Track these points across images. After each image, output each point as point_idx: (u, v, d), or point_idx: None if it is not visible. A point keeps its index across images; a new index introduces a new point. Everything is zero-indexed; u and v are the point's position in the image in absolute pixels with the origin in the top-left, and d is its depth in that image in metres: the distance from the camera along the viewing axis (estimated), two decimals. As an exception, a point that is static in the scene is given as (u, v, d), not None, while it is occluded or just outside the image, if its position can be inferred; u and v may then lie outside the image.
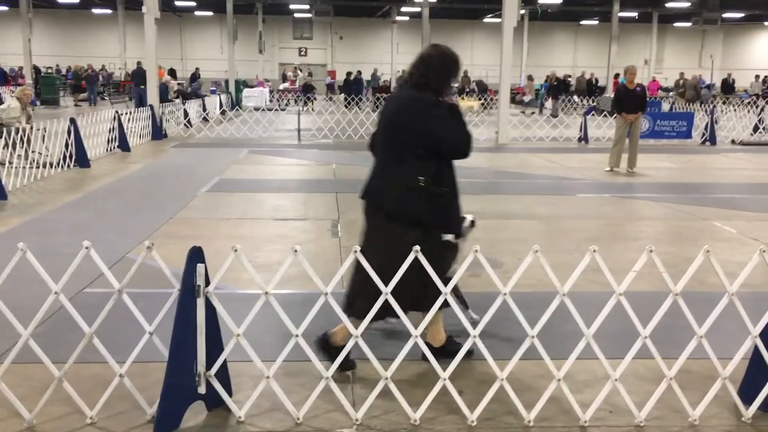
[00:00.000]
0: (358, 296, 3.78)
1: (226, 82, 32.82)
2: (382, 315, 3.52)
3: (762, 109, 23.85)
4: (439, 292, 3.40)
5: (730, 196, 10.37)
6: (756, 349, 3.50)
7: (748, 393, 3.57)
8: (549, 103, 29.01)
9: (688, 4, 35.42)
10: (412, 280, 3.46)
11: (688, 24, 40.30)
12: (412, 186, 3.74)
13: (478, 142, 17.81)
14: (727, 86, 36.15)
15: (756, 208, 9.37)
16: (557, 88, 28.90)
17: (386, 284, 3.36)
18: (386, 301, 3.39)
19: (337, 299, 3.40)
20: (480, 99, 29.59)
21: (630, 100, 12.48)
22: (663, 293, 3.54)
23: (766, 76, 36.58)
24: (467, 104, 27.21)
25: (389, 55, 40.60)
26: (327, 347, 3.91)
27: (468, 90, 33.19)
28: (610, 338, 4.58)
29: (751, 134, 19.56)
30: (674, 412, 3.56)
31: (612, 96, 28.43)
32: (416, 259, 3.36)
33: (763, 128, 20.07)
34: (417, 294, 3.67)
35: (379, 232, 3.86)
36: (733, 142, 18.53)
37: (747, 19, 43.11)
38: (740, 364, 3.54)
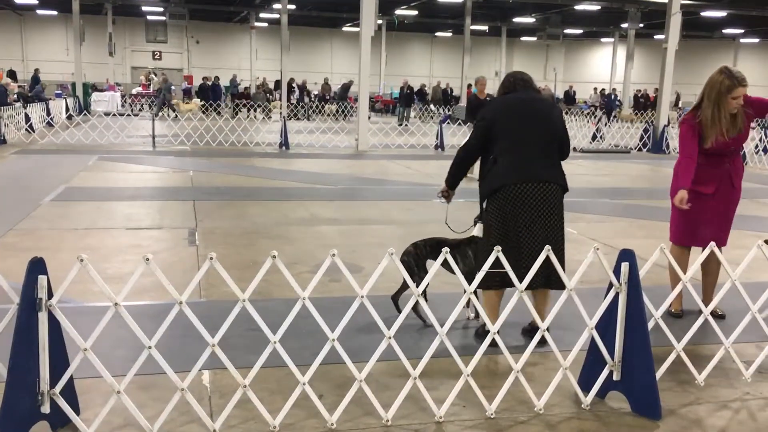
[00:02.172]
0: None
1: (73, 85, 31.02)
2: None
3: (599, 119, 25.77)
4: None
5: (572, 200, 11.05)
6: (593, 340, 3.78)
7: (586, 381, 3.84)
8: (405, 111, 29.78)
9: (533, 20, 37.67)
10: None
11: (534, 38, 42.88)
12: (562, 170, 4.59)
13: (339, 149, 18.00)
14: (569, 98, 38.71)
15: (595, 211, 10.10)
16: (409, 96, 29.75)
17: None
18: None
19: (193, 308, 3.32)
20: (201, 101, 29.00)
21: (480, 109, 13.07)
22: (509, 291, 3.74)
23: (603, 89, 39.52)
24: (188, 107, 27.32)
25: (248, 61, 40.09)
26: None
27: (329, 97, 33.39)
28: (462, 336, 4.80)
29: (590, 142, 21.08)
30: (521, 403, 3.77)
31: (465, 105, 29.79)
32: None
33: (601, 137, 21.68)
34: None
35: (559, 208, 4.48)
36: (574, 149, 19.85)
37: (585, 36, 46.48)
38: (579, 354, 3.82)
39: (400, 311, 4.62)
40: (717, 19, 33.86)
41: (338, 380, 3.92)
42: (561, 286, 3.90)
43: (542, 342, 3.79)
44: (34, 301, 3.03)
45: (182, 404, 3.35)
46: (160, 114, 23.09)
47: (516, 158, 4.47)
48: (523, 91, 4.71)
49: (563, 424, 3.60)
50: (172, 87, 30.15)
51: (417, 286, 4.40)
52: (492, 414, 3.62)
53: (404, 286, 4.80)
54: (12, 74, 31.12)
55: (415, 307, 4.70)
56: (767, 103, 5.08)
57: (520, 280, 3.65)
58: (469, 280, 3.81)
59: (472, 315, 5.04)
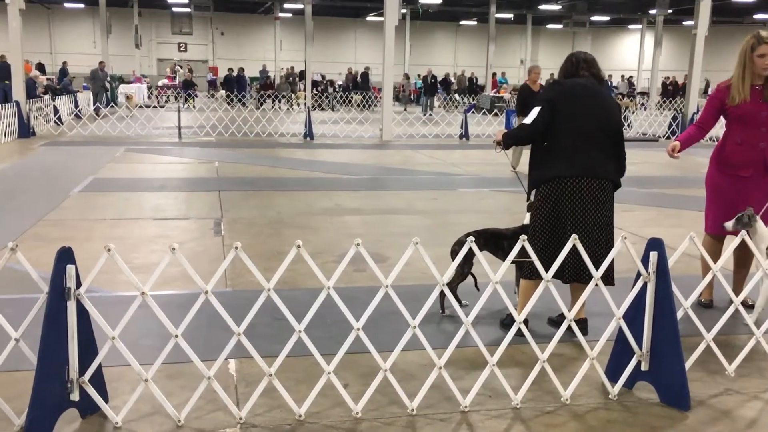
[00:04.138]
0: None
1: (101, 77, 31.25)
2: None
3: (627, 108, 25.42)
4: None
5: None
6: (620, 329, 3.73)
7: (614, 372, 3.80)
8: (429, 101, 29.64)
9: (559, 7, 37.22)
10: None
11: (560, 26, 42.36)
12: (615, 165, 4.49)
13: (363, 139, 17.99)
14: (596, 86, 38.18)
15: (623, 200, 9.92)
16: (433, 86, 29.55)
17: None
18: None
19: (219, 297, 3.34)
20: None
21: (533, 102, 12.57)
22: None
23: (630, 77, 38.99)
24: (132, 102, 27.17)
25: (272, 51, 40.18)
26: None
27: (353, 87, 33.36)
28: (488, 325, 4.77)
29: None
30: (547, 393, 3.74)
31: (490, 95, 29.57)
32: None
33: (628, 125, 21.38)
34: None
35: (609, 205, 4.45)
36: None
37: (613, 22, 45.81)
38: (607, 344, 3.77)
39: (460, 302, 4.69)
40: (747, 4, 33.17)
41: (363, 369, 3.92)
42: (610, 281, 4.17)
43: (569, 332, 3.75)
44: (63, 290, 3.07)
45: (209, 392, 3.37)
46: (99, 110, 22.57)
47: (572, 150, 4.35)
48: (587, 76, 4.56)
49: (590, 414, 3.57)
50: (108, 78, 28.85)
51: (463, 277, 4.68)
52: (518, 404, 3.59)
53: (458, 276, 4.79)
54: (40, 67, 31.54)
55: (455, 294, 4.72)
56: None
57: (562, 272, 3.62)
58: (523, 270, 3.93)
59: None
